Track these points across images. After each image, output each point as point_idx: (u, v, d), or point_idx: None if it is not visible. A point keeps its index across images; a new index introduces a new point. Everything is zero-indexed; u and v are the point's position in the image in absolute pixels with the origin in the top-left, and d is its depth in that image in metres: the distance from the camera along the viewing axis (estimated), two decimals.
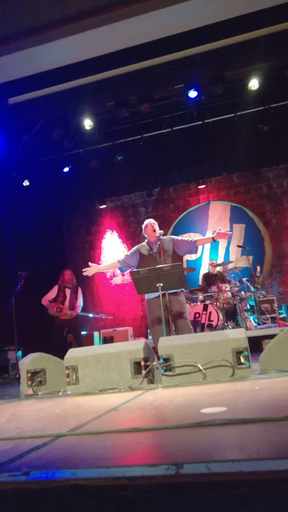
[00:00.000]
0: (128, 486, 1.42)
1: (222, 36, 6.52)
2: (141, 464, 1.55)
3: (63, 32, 5.72)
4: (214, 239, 5.39)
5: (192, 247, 5.40)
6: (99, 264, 6.24)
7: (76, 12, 5.54)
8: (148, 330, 9.57)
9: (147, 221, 5.53)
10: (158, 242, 5.34)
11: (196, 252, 5.75)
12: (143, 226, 5.53)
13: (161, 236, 5.38)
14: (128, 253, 5.55)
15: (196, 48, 6.76)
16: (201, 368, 3.84)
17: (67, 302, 7.50)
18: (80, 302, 7.65)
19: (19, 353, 7.83)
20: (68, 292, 7.59)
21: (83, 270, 5.38)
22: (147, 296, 5.33)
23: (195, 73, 7.88)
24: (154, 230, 5.39)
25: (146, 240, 5.45)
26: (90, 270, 5.37)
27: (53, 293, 7.58)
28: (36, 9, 5.59)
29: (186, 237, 6.22)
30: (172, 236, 5.55)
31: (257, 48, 6.82)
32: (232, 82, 8.83)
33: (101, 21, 5.60)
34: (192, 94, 8.41)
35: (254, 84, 8.37)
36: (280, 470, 1.34)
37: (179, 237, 5.52)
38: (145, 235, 5.42)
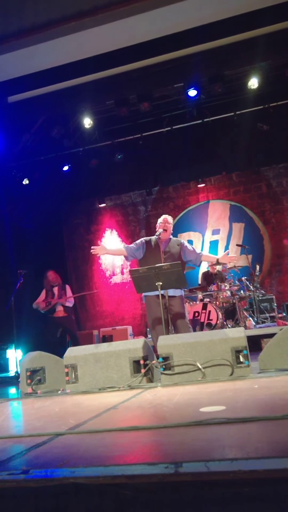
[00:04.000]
0: (127, 484, 1.42)
1: (222, 35, 6.52)
2: (140, 462, 1.55)
3: (63, 30, 5.72)
4: (219, 260, 5.42)
5: (198, 260, 5.39)
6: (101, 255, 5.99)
7: (76, 11, 5.54)
8: (148, 329, 9.59)
9: (164, 217, 5.52)
10: (168, 243, 5.36)
11: (199, 265, 5.76)
12: (161, 219, 5.48)
13: (170, 236, 5.41)
14: (136, 244, 5.49)
15: (196, 47, 6.75)
16: (200, 367, 3.85)
17: (56, 297, 7.76)
18: (70, 295, 7.77)
19: (19, 351, 7.83)
20: (55, 289, 7.83)
21: (92, 247, 5.32)
22: (145, 294, 5.32)
23: (194, 72, 7.88)
24: (168, 229, 5.40)
25: (156, 236, 5.37)
26: (99, 249, 5.31)
27: (42, 296, 7.82)
28: (36, 8, 5.57)
29: (185, 236, 6.24)
30: (182, 240, 5.55)
31: (256, 47, 6.82)
32: (231, 81, 8.82)
33: (100, 20, 5.60)
34: (192, 93, 8.39)
35: (253, 83, 8.34)
36: (279, 469, 1.35)
37: (188, 245, 5.48)
38: (160, 230, 5.31)
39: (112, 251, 5.72)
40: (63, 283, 7.98)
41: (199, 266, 5.79)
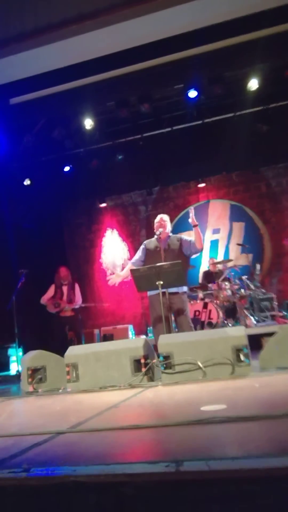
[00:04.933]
0: (128, 483, 1.43)
1: (222, 37, 6.51)
2: (141, 461, 1.56)
3: (64, 34, 5.73)
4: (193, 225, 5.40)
5: (193, 249, 5.39)
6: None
7: (77, 15, 5.55)
8: (148, 328, 9.59)
9: (160, 216, 5.56)
10: (167, 240, 5.39)
11: (201, 250, 5.73)
12: (157, 219, 5.53)
13: (170, 234, 5.44)
14: (138, 252, 5.60)
15: (196, 48, 6.75)
16: (201, 365, 3.85)
17: (64, 298, 7.64)
18: (78, 297, 7.72)
19: (20, 350, 7.84)
20: (65, 288, 7.73)
21: (107, 278, 5.48)
22: (149, 292, 5.36)
23: (194, 73, 7.87)
24: (165, 227, 5.43)
25: (155, 236, 5.42)
26: (114, 279, 5.49)
27: (50, 291, 7.72)
28: (37, 11, 5.60)
29: (186, 235, 6.20)
30: (181, 236, 5.59)
31: (256, 48, 6.80)
32: (231, 82, 8.80)
33: (101, 23, 5.60)
34: (192, 94, 8.39)
35: (253, 84, 8.36)
36: (279, 467, 1.35)
37: (186, 238, 5.50)
38: (160, 229, 5.36)
39: (124, 274, 5.74)
40: (73, 282, 7.91)
41: (201, 250, 5.69)
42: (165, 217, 5.57)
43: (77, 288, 7.83)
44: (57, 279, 7.77)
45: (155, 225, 5.48)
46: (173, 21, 5.74)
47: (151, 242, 5.49)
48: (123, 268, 11.45)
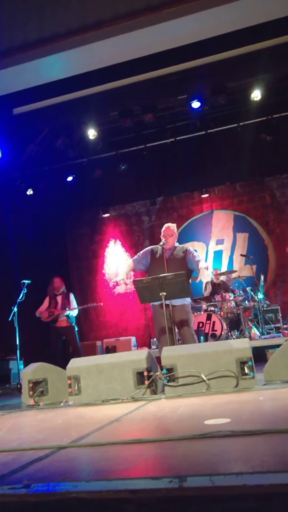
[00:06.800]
0: (131, 499, 1.40)
1: (225, 48, 6.56)
2: (144, 476, 1.53)
3: (68, 44, 5.77)
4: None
5: (195, 267, 5.23)
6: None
7: (81, 25, 5.59)
8: (152, 340, 9.56)
9: (168, 225, 5.49)
10: (172, 250, 5.32)
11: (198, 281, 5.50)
12: (163, 228, 5.45)
13: (176, 244, 5.37)
14: (141, 254, 5.48)
15: (200, 59, 6.79)
16: (204, 378, 3.81)
17: (59, 307, 7.69)
18: (73, 305, 7.71)
19: (21, 362, 7.79)
20: (59, 298, 7.78)
21: (113, 281, 5.38)
22: (152, 303, 5.28)
23: (198, 84, 7.93)
24: (173, 235, 5.37)
25: (161, 244, 5.30)
26: (119, 278, 5.36)
27: (45, 304, 7.78)
28: (41, 22, 5.64)
29: (189, 245, 6.16)
30: (187, 247, 5.46)
31: (259, 59, 6.85)
32: (235, 92, 8.88)
33: (105, 33, 5.65)
34: (195, 104, 8.44)
35: (256, 94, 8.41)
36: (285, 483, 1.32)
37: (194, 253, 5.36)
38: (163, 240, 5.27)
39: (125, 271, 5.57)
40: (67, 291, 7.94)
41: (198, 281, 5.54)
42: (172, 226, 5.48)
43: (71, 297, 7.86)
44: (51, 290, 7.82)
45: (162, 234, 5.41)
46: (177, 32, 5.78)
47: (157, 249, 5.39)
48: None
